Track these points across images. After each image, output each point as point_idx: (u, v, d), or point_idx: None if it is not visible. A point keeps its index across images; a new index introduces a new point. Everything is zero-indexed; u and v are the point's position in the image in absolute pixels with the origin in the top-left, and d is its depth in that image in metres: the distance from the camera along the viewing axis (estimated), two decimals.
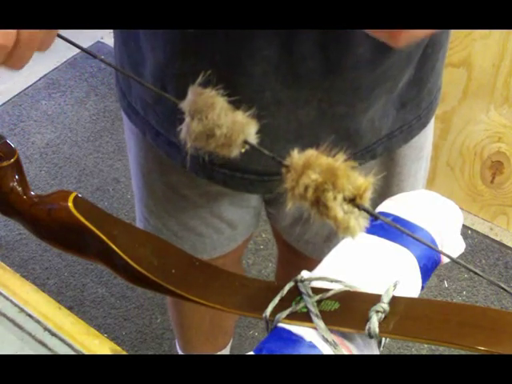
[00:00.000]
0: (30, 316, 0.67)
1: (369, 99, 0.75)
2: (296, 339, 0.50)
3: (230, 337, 1.43)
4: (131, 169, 1.00)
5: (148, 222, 1.00)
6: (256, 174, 0.80)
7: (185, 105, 0.51)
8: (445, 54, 0.84)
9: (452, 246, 0.61)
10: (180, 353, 1.43)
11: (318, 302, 0.53)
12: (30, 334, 0.66)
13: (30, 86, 2.22)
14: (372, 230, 0.59)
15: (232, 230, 0.99)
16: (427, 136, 0.90)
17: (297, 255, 1.03)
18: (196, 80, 0.70)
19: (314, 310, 0.52)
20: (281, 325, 0.52)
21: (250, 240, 1.12)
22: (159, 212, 0.97)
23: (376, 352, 0.52)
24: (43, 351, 0.65)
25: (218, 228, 0.98)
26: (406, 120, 0.83)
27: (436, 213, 0.61)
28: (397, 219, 0.60)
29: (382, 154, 0.84)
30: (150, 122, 0.84)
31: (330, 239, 0.95)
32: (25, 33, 0.51)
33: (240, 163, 0.79)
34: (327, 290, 0.54)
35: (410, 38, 0.53)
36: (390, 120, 0.81)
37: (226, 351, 1.42)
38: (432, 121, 0.89)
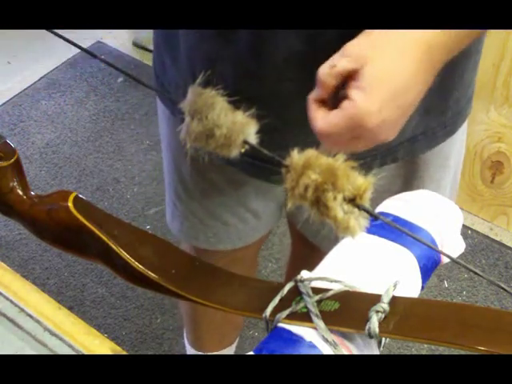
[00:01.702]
0: (30, 316, 0.67)
1: None
2: (296, 339, 0.50)
3: (238, 332, 1.44)
4: (163, 152, 1.02)
5: (176, 207, 1.02)
6: (275, 165, 0.81)
7: (185, 105, 0.51)
8: (475, 65, 0.83)
9: (452, 245, 0.61)
10: (188, 349, 1.43)
11: (318, 302, 0.53)
12: (29, 334, 0.66)
13: (30, 85, 2.22)
14: (372, 229, 0.59)
15: (257, 220, 1.00)
16: (454, 144, 0.90)
17: (312, 250, 1.04)
18: (223, 65, 0.71)
19: (314, 310, 0.52)
20: (281, 325, 0.52)
21: (270, 233, 1.13)
22: (187, 198, 0.98)
23: (376, 352, 0.52)
24: (43, 351, 0.64)
25: (243, 217, 0.98)
26: (430, 126, 0.83)
27: (436, 213, 0.61)
28: (397, 219, 0.60)
29: (404, 157, 0.84)
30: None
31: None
32: None
33: (261, 152, 0.80)
34: (327, 290, 0.54)
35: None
36: (412, 124, 0.80)
37: (233, 346, 1.43)
38: (462, 131, 0.89)
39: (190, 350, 1.43)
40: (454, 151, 0.91)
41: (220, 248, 1.02)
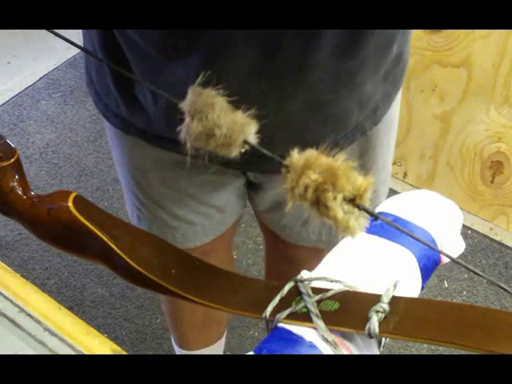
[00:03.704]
0: (30, 316, 0.67)
1: (353, 83, 0.77)
2: (296, 339, 0.50)
3: (224, 327, 1.43)
4: (117, 166, 1.02)
5: (141, 212, 1.02)
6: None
7: (185, 105, 0.51)
8: None
9: (452, 245, 0.61)
10: (176, 348, 1.43)
11: (318, 302, 0.53)
12: (29, 334, 0.66)
13: (30, 85, 2.22)
14: (372, 229, 0.59)
15: (221, 213, 1.01)
16: (397, 104, 0.92)
17: (280, 241, 1.05)
18: (186, 85, 0.71)
19: (314, 310, 0.52)
20: (281, 325, 0.52)
21: (239, 223, 1.14)
22: (149, 204, 0.99)
23: (376, 352, 0.52)
24: (43, 351, 0.64)
25: (207, 214, 1.00)
26: (388, 91, 0.85)
27: (436, 213, 0.61)
28: (397, 219, 0.60)
29: (371, 128, 0.86)
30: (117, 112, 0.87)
31: (307, 224, 0.96)
32: None
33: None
34: (327, 290, 0.54)
35: None
36: (376, 94, 0.82)
37: (221, 342, 1.43)
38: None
39: (178, 350, 1.43)
40: (396, 111, 0.93)
41: (189, 246, 1.03)
